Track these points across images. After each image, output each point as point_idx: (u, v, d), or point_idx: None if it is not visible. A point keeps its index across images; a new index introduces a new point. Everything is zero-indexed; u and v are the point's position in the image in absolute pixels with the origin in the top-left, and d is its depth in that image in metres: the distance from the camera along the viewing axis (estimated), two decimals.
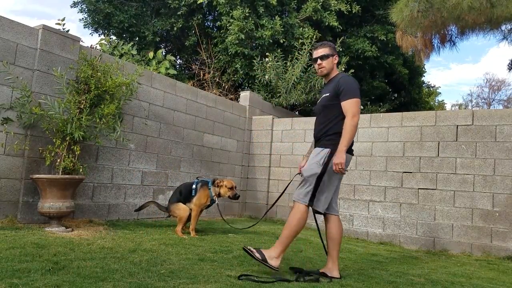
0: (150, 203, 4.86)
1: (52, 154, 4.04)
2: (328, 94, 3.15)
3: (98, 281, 2.36)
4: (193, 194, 4.64)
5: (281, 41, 9.24)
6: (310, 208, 3.07)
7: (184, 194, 4.68)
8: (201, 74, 9.68)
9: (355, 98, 3.03)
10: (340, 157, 2.92)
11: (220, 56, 9.95)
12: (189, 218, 4.63)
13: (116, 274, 2.55)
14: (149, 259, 3.08)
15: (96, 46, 8.80)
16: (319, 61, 3.23)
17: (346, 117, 3.00)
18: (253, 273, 2.95)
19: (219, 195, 4.67)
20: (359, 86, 3.15)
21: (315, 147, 3.19)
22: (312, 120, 7.04)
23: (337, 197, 3.29)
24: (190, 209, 4.60)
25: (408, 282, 3.17)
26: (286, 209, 6.99)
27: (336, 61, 3.25)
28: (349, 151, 3.11)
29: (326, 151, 3.02)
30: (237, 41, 8.99)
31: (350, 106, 3.00)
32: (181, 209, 4.59)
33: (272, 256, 2.95)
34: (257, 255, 2.94)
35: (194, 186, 4.68)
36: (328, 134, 3.08)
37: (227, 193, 4.64)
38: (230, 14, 9.11)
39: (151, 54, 9.10)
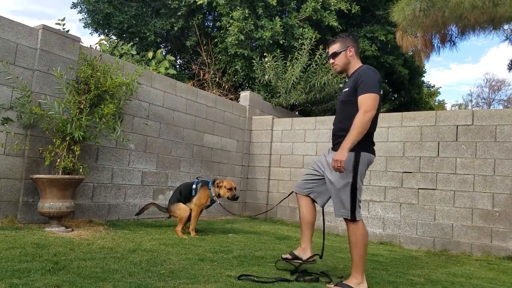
0: (150, 205, 4.85)
1: (52, 154, 4.04)
2: (347, 89, 2.93)
3: (98, 281, 2.36)
4: (193, 194, 4.64)
5: (281, 42, 9.24)
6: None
7: (184, 194, 4.68)
8: (201, 74, 9.68)
9: (372, 93, 2.74)
10: (340, 154, 2.67)
11: (220, 57, 9.95)
12: (189, 218, 4.63)
13: (116, 274, 2.55)
14: (149, 259, 3.08)
15: (96, 46, 8.80)
16: (331, 60, 3.08)
17: (359, 111, 2.72)
18: (253, 273, 2.95)
19: (219, 196, 4.66)
20: (380, 79, 2.86)
21: (333, 148, 2.96)
22: (312, 120, 7.05)
23: None
24: (190, 209, 4.60)
25: (408, 282, 3.17)
26: (286, 209, 7.00)
27: (351, 53, 2.98)
28: (371, 150, 2.88)
29: (351, 154, 2.76)
30: (236, 42, 8.99)
31: (364, 100, 2.73)
32: (181, 209, 4.59)
33: (358, 283, 2.76)
34: None
35: (194, 186, 4.68)
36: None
37: (226, 194, 4.64)
38: (230, 15, 9.11)
39: (150, 54, 9.09)
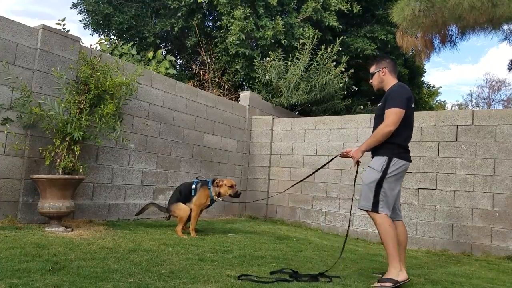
0: (150, 205, 4.86)
1: (52, 154, 4.04)
2: (380, 104, 3.28)
3: (98, 281, 2.36)
4: (193, 194, 4.64)
5: (282, 41, 9.23)
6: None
7: (184, 194, 4.68)
8: (201, 74, 9.68)
9: (396, 108, 3.06)
10: (355, 153, 3.22)
11: (220, 57, 9.94)
12: (189, 218, 4.63)
13: (116, 274, 2.55)
14: (149, 259, 3.08)
15: (96, 46, 8.81)
16: (370, 79, 3.48)
17: (382, 123, 3.09)
18: (253, 273, 2.95)
19: (219, 195, 4.67)
20: (409, 95, 3.17)
21: (372, 155, 3.28)
22: (311, 120, 7.05)
23: (399, 202, 3.36)
24: (190, 209, 4.60)
25: (408, 282, 3.17)
26: (286, 209, 7.00)
27: (384, 74, 3.34)
28: (406, 158, 3.16)
29: (384, 158, 3.10)
30: (238, 42, 8.98)
31: (389, 114, 3.07)
32: (181, 209, 4.59)
33: (397, 272, 2.94)
34: (388, 284, 2.88)
35: (194, 186, 4.68)
36: (383, 143, 3.13)
37: (227, 191, 4.64)
38: (231, 14, 9.10)
39: (150, 54, 9.09)
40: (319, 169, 4.24)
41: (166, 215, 4.87)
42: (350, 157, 3.31)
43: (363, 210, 3.14)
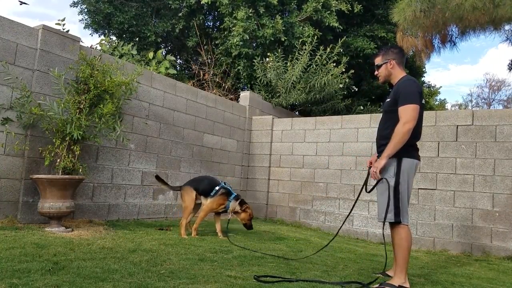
0: (162, 184, 4.82)
1: (52, 154, 4.04)
2: (389, 100, 3.13)
3: (98, 281, 2.36)
4: (212, 194, 4.54)
5: (282, 39, 9.22)
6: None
7: (205, 187, 4.59)
8: (201, 74, 9.68)
9: (411, 104, 2.91)
10: (378, 162, 2.91)
11: (222, 58, 9.93)
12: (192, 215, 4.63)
13: (116, 274, 2.55)
14: (149, 259, 3.08)
15: (96, 46, 8.80)
16: (376, 71, 3.31)
17: (399, 122, 2.92)
18: (253, 273, 2.95)
19: (235, 212, 4.59)
20: (420, 90, 3.02)
21: (379, 156, 3.13)
22: (311, 120, 7.05)
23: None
24: (198, 204, 4.58)
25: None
26: (286, 209, 6.99)
27: (391, 66, 3.18)
28: (415, 156, 3.06)
29: (393, 160, 2.97)
30: (241, 42, 8.98)
31: (404, 112, 2.92)
32: (190, 198, 4.52)
33: (402, 282, 2.91)
34: None
35: (217, 188, 4.56)
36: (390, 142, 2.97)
37: (245, 219, 4.64)
38: (233, 15, 9.10)
39: (150, 54, 9.09)
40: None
41: (166, 215, 4.86)
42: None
43: (384, 222, 2.96)
